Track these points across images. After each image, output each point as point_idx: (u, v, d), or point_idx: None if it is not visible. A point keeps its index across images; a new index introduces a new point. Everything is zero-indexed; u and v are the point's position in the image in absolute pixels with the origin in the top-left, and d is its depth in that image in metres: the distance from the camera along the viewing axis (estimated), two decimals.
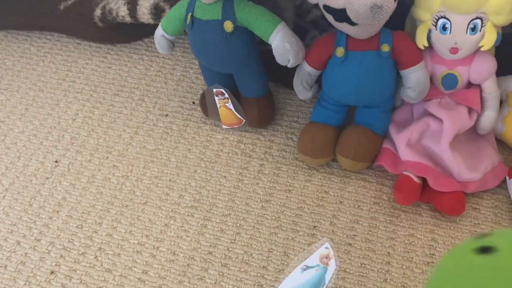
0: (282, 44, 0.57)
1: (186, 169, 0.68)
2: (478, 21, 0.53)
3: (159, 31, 0.64)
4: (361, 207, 0.61)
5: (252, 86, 0.66)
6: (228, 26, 0.58)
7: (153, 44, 0.85)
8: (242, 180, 0.66)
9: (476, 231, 0.58)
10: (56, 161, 0.71)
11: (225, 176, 0.66)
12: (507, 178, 0.59)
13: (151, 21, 0.77)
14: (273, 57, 0.59)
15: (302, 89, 0.62)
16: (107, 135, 0.73)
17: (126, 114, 0.76)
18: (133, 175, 0.68)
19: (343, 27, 0.54)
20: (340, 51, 0.57)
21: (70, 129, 0.75)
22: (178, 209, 0.63)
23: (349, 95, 0.59)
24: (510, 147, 0.64)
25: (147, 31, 0.85)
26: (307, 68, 0.60)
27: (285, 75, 0.70)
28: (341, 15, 0.52)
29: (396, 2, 0.51)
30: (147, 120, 0.74)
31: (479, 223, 0.58)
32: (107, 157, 0.71)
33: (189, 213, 0.63)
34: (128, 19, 0.78)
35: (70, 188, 0.67)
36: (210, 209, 0.63)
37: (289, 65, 0.59)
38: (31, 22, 0.85)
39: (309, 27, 0.78)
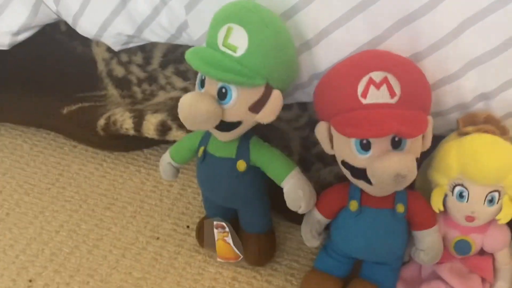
0: (294, 190, 0.55)
1: None
2: (496, 193, 0.52)
3: (166, 158, 0.62)
4: None
5: (255, 222, 0.63)
6: (241, 165, 0.56)
7: (152, 155, 0.83)
8: None
9: None
10: (30, 281, 0.64)
11: None
12: None
13: (155, 137, 0.76)
14: (280, 189, 0.56)
15: (310, 237, 0.59)
16: (92, 254, 0.68)
17: (115, 232, 0.71)
18: None
19: (359, 183, 0.53)
20: (354, 205, 0.55)
21: (52, 243, 0.69)
22: None
23: (359, 250, 0.56)
24: None
25: (147, 142, 0.82)
26: (317, 216, 0.57)
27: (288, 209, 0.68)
28: (360, 173, 0.51)
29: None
30: (136, 242, 0.69)
31: None
32: (88, 282, 0.64)
33: None
34: (132, 132, 0.76)
35: None
36: None
37: (299, 211, 0.56)
38: (31, 120, 0.83)
39: (314, 159, 0.77)
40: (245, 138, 0.56)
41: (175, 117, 0.74)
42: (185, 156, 0.61)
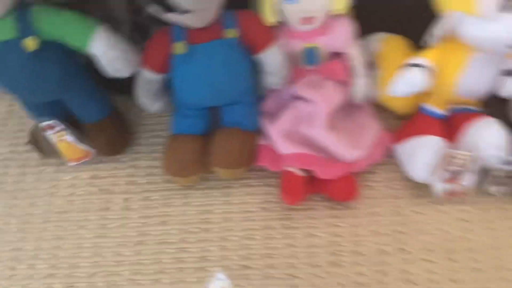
0: (106, 51, 0.46)
1: (33, 229, 0.54)
2: None
3: None
4: (251, 218, 0.53)
5: (89, 108, 0.54)
6: (30, 44, 0.45)
7: None
8: (106, 225, 0.54)
9: (376, 211, 0.52)
10: None
11: (83, 226, 0.54)
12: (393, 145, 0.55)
13: None
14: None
15: (147, 100, 0.51)
16: None
17: None
18: None
19: (175, 18, 0.44)
20: (180, 47, 0.47)
21: None
22: (32, 285, 0.50)
23: (203, 94, 0.49)
24: (389, 110, 0.59)
25: None
26: (146, 74, 0.49)
27: (130, 84, 0.59)
28: (165, 3, 0.42)
29: None
30: None
31: (378, 203, 0.53)
32: None
33: (48, 285, 0.50)
34: None
35: None
36: (72, 273, 0.50)
37: (123, 75, 0.47)
38: None
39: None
40: (22, 12, 0.44)
41: None
42: None
